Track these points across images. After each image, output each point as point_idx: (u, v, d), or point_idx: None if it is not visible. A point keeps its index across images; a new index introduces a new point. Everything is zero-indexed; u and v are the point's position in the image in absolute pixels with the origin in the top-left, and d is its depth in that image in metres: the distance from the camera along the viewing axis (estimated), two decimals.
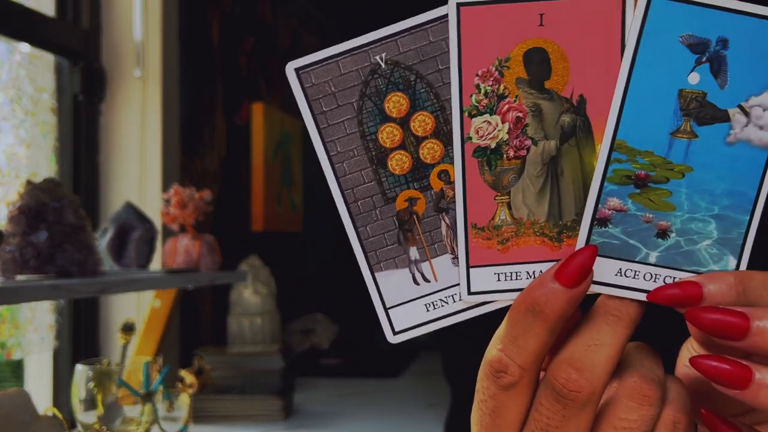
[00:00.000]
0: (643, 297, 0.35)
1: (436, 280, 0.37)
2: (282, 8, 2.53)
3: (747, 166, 0.35)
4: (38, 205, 1.05)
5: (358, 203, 0.37)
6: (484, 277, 0.36)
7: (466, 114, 0.36)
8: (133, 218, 1.33)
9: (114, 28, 1.65)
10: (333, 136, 0.37)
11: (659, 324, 0.64)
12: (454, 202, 0.36)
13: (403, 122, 0.36)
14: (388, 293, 0.37)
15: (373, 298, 0.37)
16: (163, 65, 1.67)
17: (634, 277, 0.35)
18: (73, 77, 1.56)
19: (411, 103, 0.36)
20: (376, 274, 0.37)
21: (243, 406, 1.59)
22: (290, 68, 0.37)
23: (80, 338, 1.55)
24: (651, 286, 0.35)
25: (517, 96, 0.36)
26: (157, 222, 1.46)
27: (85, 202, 1.55)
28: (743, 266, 0.35)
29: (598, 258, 0.35)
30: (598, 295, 0.36)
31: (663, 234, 0.36)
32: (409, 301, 0.37)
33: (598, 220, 0.36)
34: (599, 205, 0.36)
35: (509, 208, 0.36)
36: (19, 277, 1.03)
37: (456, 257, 0.37)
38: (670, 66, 0.35)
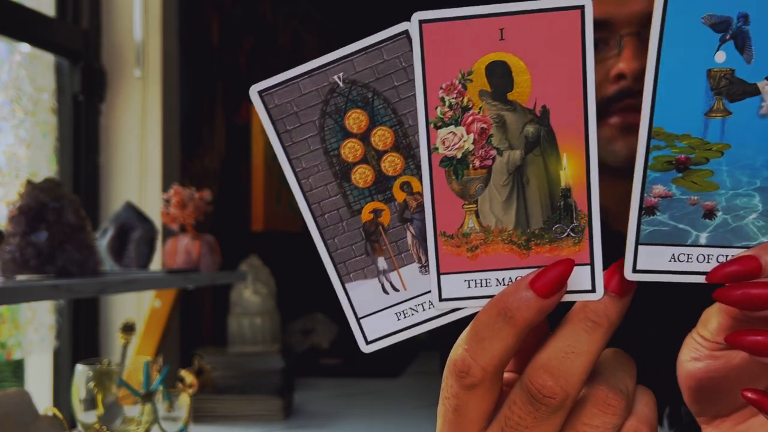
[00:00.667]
0: (701, 279, 0.35)
1: (405, 289, 0.38)
2: (282, 8, 2.53)
3: None
4: (38, 205, 1.05)
5: (325, 216, 0.38)
6: (454, 284, 0.37)
7: (432, 125, 0.37)
8: (133, 218, 1.33)
9: (114, 28, 1.65)
10: (298, 153, 0.38)
11: (648, 325, 0.64)
12: (419, 211, 0.38)
13: (364, 137, 0.38)
14: (359, 303, 0.38)
15: (344, 309, 0.38)
16: (163, 65, 1.67)
17: (687, 261, 0.36)
18: (73, 77, 1.56)
19: (370, 119, 0.38)
20: (346, 285, 0.38)
21: (243, 406, 1.59)
22: (254, 91, 0.39)
23: (80, 338, 1.56)
24: (706, 267, 0.36)
25: (480, 108, 0.37)
26: (157, 222, 1.46)
27: (85, 202, 1.55)
28: None
29: (651, 246, 0.36)
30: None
31: (710, 214, 0.36)
32: (380, 310, 0.38)
33: (646, 209, 0.36)
34: (645, 194, 0.36)
35: (477, 216, 0.37)
36: (19, 277, 1.03)
37: (423, 266, 0.38)
38: (695, 48, 0.35)
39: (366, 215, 0.38)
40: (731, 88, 0.36)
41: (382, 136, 0.38)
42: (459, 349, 0.35)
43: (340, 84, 0.38)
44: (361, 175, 0.38)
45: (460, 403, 0.36)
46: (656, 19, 0.35)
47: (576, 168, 0.36)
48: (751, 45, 0.35)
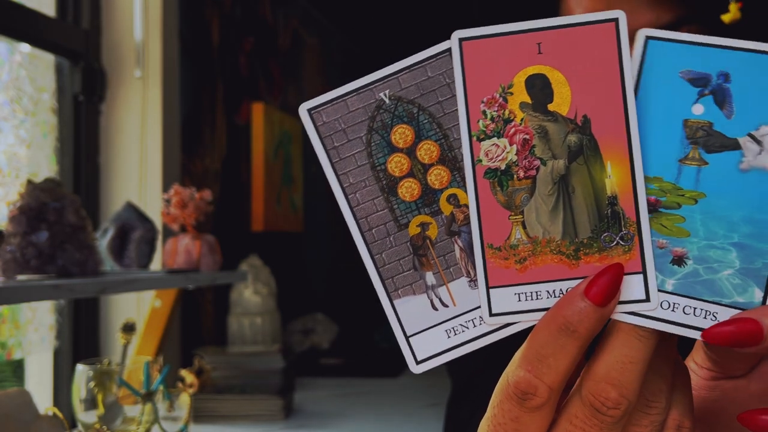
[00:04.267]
0: (663, 327, 0.35)
1: (455, 305, 0.37)
2: (282, 8, 2.53)
3: (765, 193, 0.35)
4: (39, 205, 1.05)
5: (372, 231, 0.38)
6: (504, 298, 0.37)
7: (475, 138, 0.37)
8: (133, 218, 1.33)
9: (114, 28, 1.65)
10: (345, 169, 0.39)
11: None
12: (466, 224, 0.37)
13: (410, 152, 0.38)
14: (407, 321, 0.38)
15: (393, 327, 0.38)
16: (163, 65, 1.67)
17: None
18: (73, 77, 1.56)
19: (416, 134, 0.38)
20: (394, 302, 0.38)
21: (243, 406, 1.59)
22: (303, 109, 0.39)
23: (81, 338, 1.56)
24: (670, 315, 0.35)
25: (522, 119, 0.37)
26: (158, 222, 1.46)
27: (85, 202, 1.56)
28: None
29: None
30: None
31: (679, 261, 0.35)
32: (430, 327, 0.38)
33: None
34: None
35: (524, 227, 0.37)
36: (20, 277, 1.03)
37: (472, 280, 0.37)
38: (672, 99, 0.36)
39: (413, 229, 0.38)
40: (708, 140, 0.36)
41: (428, 150, 0.38)
42: (519, 370, 0.34)
43: (387, 100, 0.38)
44: (408, 189, 0.38)
45: (520, 427, 0.35)
46: (633, 69, 0.36)
47: (621, 175, 0.36)
48: (731, 102, 0.35)
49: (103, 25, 1.64)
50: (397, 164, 0.38)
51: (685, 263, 0.35)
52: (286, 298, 2.23)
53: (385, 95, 0.38)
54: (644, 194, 0.36)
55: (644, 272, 0.35)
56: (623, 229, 0.36)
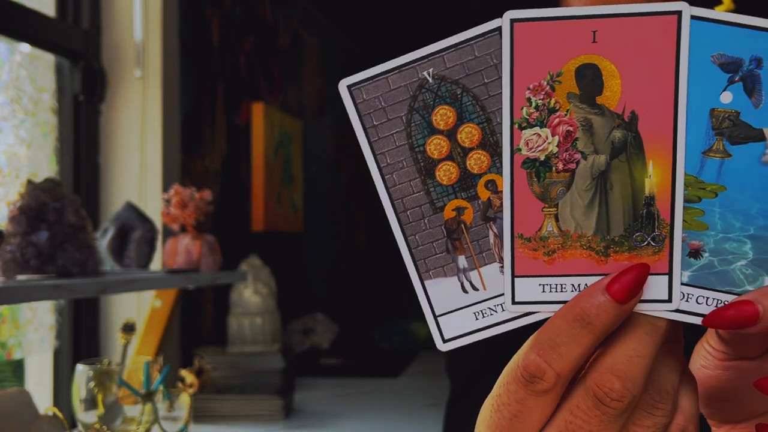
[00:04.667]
0: (674, 316, 0.35)
1: (485, 289, 0.37)
2: (282, 8, 2.53)
3: None
4: (39, 205, 1.05)
5: (408, 213, 0.38)
6: (529, 288, 0.37)
7: (516, 126, 0.36)
8: (133, 218, 1.33)
9: (114, 28, 1.65)
10: (383, 149, 0.38)
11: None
12: (502, 211, 0.37)
13: (450, 134, 0.38)
14: (437, 301, 0.38)
15: (422, 306, 0.38)
16: (163, 65, 1.67)
17: None
18: (73, 77, 1.56)
19: (458, 116, 0.37)
20: (425, 282, 0.38)
21: (243, 406, 1.59)
22: (343, 85, 0.38)
23: (80, 338, 1.56)
24: (684, 306, 0.35)
25: (567, 110, 0.36)
26: (158, 222, 1.46)
27: (85, 202, 1.56)
28: None
29: None
30: None
31: (696, 253, 0.35)
32: (458, 309, 0.38)
33: None
34: None
35: (556, 220, 0.36)
36: (20, 277, 1.03)
37: (504, 266, 0.37)
38: (701, 85, 0.35)
39: (448, 213, 0.38)
40: (734, 131, 0.35)
41: (469, 134, 0.37)
42: (531, 353, 0.35)
43: (430, 80, 0.37)
44: (446, 173, 0.38)
45: (523, 409, 0.35)
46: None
47: (661, 176, 0.35)
48: (761, 89, 0.35)
49: (103, 25, 1.64)
50: (436, 146, 0.38)
51: (701, 256, 0.35)
52: (286, 298, 2.23)
53: (428, 74, 0.37)
54: (682, 197, 0.35)
55: (670, 274, 0.35)
56: (656, 230, 0.35)
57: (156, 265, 1.53)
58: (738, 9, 0.68)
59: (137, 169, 1.65)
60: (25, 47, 1.44)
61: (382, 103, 0.38)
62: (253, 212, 2.26)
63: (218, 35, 2.07)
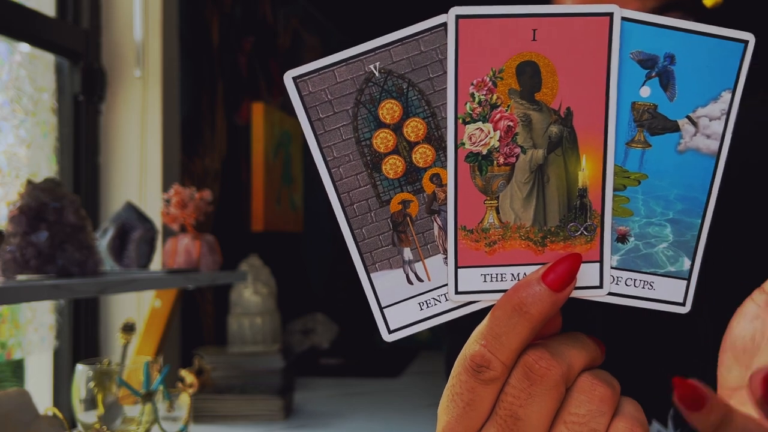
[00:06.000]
0: (607, 299, 0.38)
1: (430, 280, 0.38)
2: (282, 8, 2.53)
3: (697, 173, 0.38)
4: (39, 205, 1.05)
5: (354, 206, 0.38)
6: (471, 278, 0.38)
7: (461, 121, 0.37)
8: (133, 218, 1.33)
9: (114, 28, 1.65)
10: (329, 142, 0.38)
11: (656, 329, 0.65)
12: (446, 204, 0.38)
13: (397, 128, 0.38)
14: (383, 293, 0.39)
15: (368, 298, 0.39)
16: (163, 65, 1.67)
17: None
18: (73, 77, 1.56)
19: (404, 110, 0.38)
20: (371, 275, 0.39)
21: (243, 406, 1.59)
22: (288, 77, 0.38)
23: (80, 338, 1.56)
24: (614, 288, 0.38)
25: (508, 106, 0.37)
26: (158, 222, 1.46)
27: (85, 202, 1.56)
28: (696, 266, 0.38)
29: None
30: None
31: (623, 239, 0.38)
32: (404, 300, 0.38)
33: None
34: None
35: (497, 212, 0.38)
36: (20, 277, 1.03)
37: (447, 257, 0.38)
38: (624, 81, 0.37)
39: (395, 206, 0.38)
40: (653, 122, 0.37)
41: (414, 128, 0.38)
42: (476, 344, 0.36)
43: (376, 73, 0.38)
44: (392, 166, 0.38)
45: (475, 398, 0.36)
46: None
47: (593, 169, 0.37)
48: (675, 84, 0.37)
49: (103, 25, 1.64)
50: (382, 140, 0.38)
51: (628, 240, 0.38)
52: (286, 298, 2.23)
53: (375, 68, 0.38)
54: (611, 189, 0.37)
55: (601, 261, 0.38)
56: (588, 220, 0.37)
57: (156, 265, 1.53)
58: (726, 4, 0.69)
59: (137, 169, 1.65)
60: (25, 47, 1.44)
61: (329, 96, 0.38)
62: (253, 212, 2.26)
63: (218, 35, 2.07)
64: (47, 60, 1.51)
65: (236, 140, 2.18)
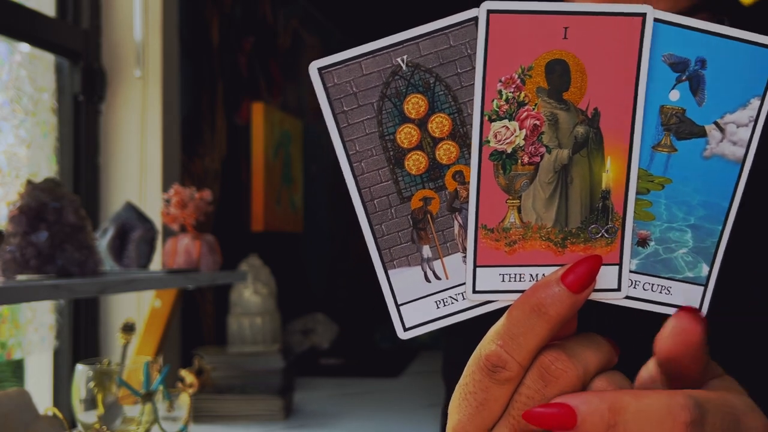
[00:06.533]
0: (625, 303, 0.37)
1: (448, 278, 0.38)
2: (282, 8, 2.53)
3: (721, 179, 0.37)
4: (38, 205, 1.05)
5: (374, 201, 0.38)
6: (489, 277, 0.37)
7: (487, 118, 0.37)
8: (133, 218, 1.33)
9: (114, 28, 1.65)
10: (352, 136, 0.37)
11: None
12: (467, 202, 0.37)
13: (421, 123, 0.37)
14: (400, 290, 0.38)
15: (385, 295, 0.38)
16: (163, 65, 1.67)
17: None
18: (73, 77, 1.56)
19: (429, 105, 0.37)
20: (389, 272, 0.38)
21: (243, 406, 1.59)
22: (313, 67, 0.37)
23: (80, 338, 1.56)
24: (631, 291, 0.38)
25: (536, 104, 0.37)
26: (158, 222, 1.46)
27: (85, 202, 1.55)
28: (715, 273, 0.38)
29: None
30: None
31: (643, 242, 0.38)
32: (420, 298, 0.38)
33: None
34: None
35: (519, 211, 0.37)
36: (20, 277, 1.03)
37: (467, 256, 0.38)
38: (653, 83, 0.37)
39: (415, 203, 0.38)
40: (680, 127, 0.37)
41: (439, 123, 0.37)
42: (492, 344, 0.36)
43: (403, 67, 0.37)
44: (415, 162, 0.37)
45: (488, 397, 0.36)
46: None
47: (617, 171, 0.37)
48: (704, 89, 0.37)
49: (103, 25, 1.64)
50: (406, 135, 0.37)
51: (648, 244, 0.38)
52: (286, 298, 2.23)
53: (402, 61, 0.37)
54: (634, 192, 0.37)
55: (620, 264, 0.37)
56: (609, 222, 0.37)
57: (156, 265, 1.53)
58: (762, 3, 0.69)
59: (137, 169, 1.65)
60: (24, 47, 1.44)
61: (354, 89, 0.37)
62: (253, 212, 2.26)
63: (218, 35, 2.07)
64: (47, 60, 1.51)
65: (236, 140, 2.18)
